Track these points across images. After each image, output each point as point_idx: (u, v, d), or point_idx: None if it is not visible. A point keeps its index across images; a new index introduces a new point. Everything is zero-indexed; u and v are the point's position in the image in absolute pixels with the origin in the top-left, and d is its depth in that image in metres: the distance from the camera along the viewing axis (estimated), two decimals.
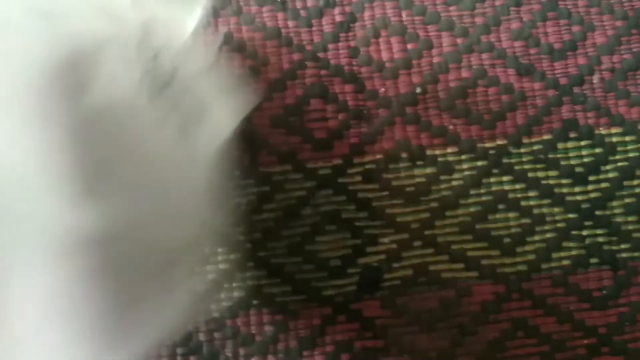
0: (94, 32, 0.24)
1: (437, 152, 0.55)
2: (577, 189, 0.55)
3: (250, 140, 0.54)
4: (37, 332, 0.23)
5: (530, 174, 0.55)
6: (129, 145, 0.25)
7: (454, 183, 0.55)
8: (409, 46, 0.57)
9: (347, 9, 0.57)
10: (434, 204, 0.55)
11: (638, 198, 0.55)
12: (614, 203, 0.55)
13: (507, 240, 0.54)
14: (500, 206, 0.55)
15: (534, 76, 0.56)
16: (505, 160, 0.55)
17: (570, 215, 0.55)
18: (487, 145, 0.55)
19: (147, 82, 0.27)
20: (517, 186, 0.55)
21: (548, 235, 0.55)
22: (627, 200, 0.55)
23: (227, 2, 0.57)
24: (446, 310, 0.54)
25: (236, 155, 0.52)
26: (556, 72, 0.56)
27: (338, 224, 0.54)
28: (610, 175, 0.55)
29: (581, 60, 0.57)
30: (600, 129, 0.56)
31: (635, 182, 0.55)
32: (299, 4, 0.57)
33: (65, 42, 0.23)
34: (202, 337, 0.53)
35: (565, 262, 0.54)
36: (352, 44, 0.57)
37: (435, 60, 0.56)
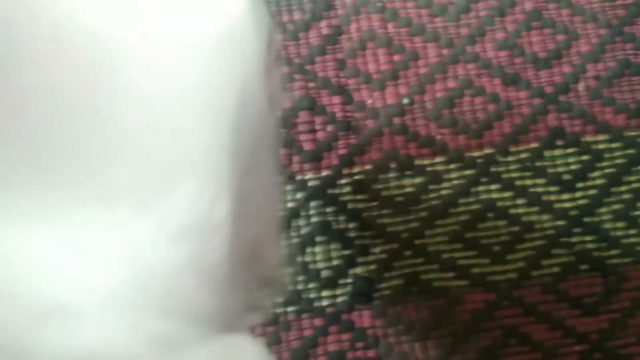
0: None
1: (426, 161, 0.56)
2: (565, 197, 0.55)
3: None
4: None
5: (518, 182, 0.55)
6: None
7: (443, 192, 0.55)
8: (396, 57, 0.57)
9: (334, 21, 0.57)
10: (424, 214, 0.55)
11: (626, 204, 0.55)
12: (602, 209, 0.55)
13: (496, 248, 0.55)
14: (489, 214, 0.55)
15: (519, 85, 0.57)
16: (493, 169, 0.56)
17: (559, 223, 0.55)
18: (475, 154, 0.56)
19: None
20: (505, 194, 0.55)
21: (537, 242, 0.55)
22: (615, 207, 0.55)
23: None
24: (438, 319, 0.54)
25: None
26: (541, 80, 0.57)
27: (329, 235, 0.54)
28: (598, 182, 0.56)
29: (566, 69, 0.57)
30: (587, 136, 0.56)
31: (623, 189, 0.56)
32: (285, 18, 0.57)
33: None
34: None
35: (555, 269, 0.55)
36: (339, 56, 0.57)
37: (422, 71, 0.57)
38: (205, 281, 0.25)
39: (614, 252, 0.55)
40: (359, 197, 0.55)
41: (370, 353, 0.53)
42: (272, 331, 0.53)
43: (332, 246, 0.54)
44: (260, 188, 0.30)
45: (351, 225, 0.54)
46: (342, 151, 0.55)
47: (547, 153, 0.56)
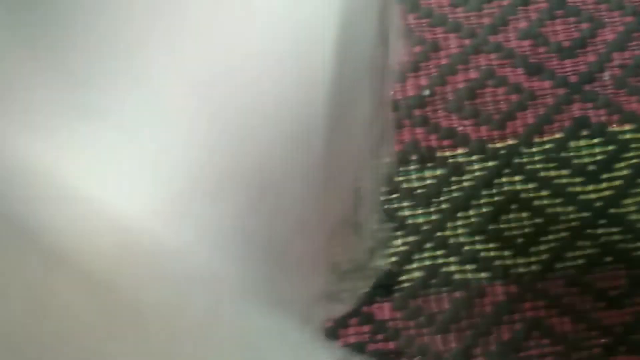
0: None
1: (447, 153, 0.55)
2: (590, 188, 0.55)
3: None
4: None
5: (542, 174, 0.55)
6: None
7: (465, 184, 0.55)
8: (416, 49, 0.57)
9: None
10: (445, 205, 0.55)
11: None
12: (628, 200, 0.55)
13: (520, 240, 0.54)
14: (513, 206, 0.55)
15: (543, 75, 0.56)
16: (516, 160, 0.55)
17: (584, 214, 0.54)
18: (498, 145, 0.55)
19: None
20: (529, 186, 0.55)
21: (562, 234, 0.54)
22: None
23: None
24: (459, 312, 0.53)
25: None
26: (566, 70, 0.56)
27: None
28: (624, 172, 0.55)
29: (591, 58, 0.56)
30: (613, 126, 0.55)
31: None
32: None
33: None
34: None
35: (580, 262, 0.54)
36: None
37: (443, 62, 0.56)
38: (274, 259, 0.24)
39: (639, 244, 0.54)
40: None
41: (391, 345, 0.53)
42: None
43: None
44: (356, 130, 0.27)
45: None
46: None
47: (571, 143, 0.55)
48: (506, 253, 0.54)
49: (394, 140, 0.43)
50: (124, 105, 0.21)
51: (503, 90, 0.56)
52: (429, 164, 0.55)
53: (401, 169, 0.55)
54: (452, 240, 0.54)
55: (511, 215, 0.55)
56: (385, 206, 0.55)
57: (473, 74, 0.56)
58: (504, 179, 0.55)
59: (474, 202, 0.55)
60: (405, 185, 0.55)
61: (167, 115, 0.21)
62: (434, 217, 0.55)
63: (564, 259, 0.54)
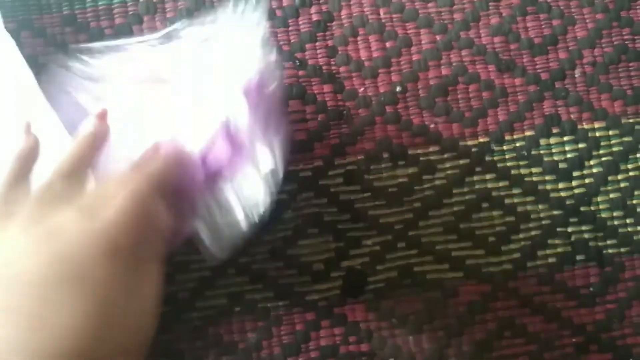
0: None
1: (419, 151, 0.54)
2: (561, 185, 0.54)
3: None
4: None
5: (513, 171, 0.54)
6: None
7: (437, 182, 0.54)
8: (388, 44, 0.56)
9: (324, 7, 0.56)
10: (417, 204, 0.54)
11: (623, 193, 0.54)
12: (599, 198, 0.54)
13: (491, 239, 0.54)
14: (484, 205, 0.54)
15: (514, 72, 0.55)
16: (487, 158, 0.54)
17: (555, 212, 0.54)
18: (469, 143, 0.55)
19: None
20: (501, 184, 0.54)
21: (533, 232, 0.54)
22: (612, 196, 0.54)
23: (200, 3, 0.55)
24: (432, 312, 0.53)
25: None
26: (537, 67, 0.56)
27: (320, 227, 0.53)
28: (595, 170, 0.55)
29: (562, 55, 0.56)
30: (583, 123, 0.55)
31: (620, 177, 0.55)
32: (274, 3, 0.56)
33: None
34: (183, 345, 0.51)
35: (551, 260, 0.54)
36: (330, 43, 0.56)
37: (415, 57, 0.55)
38: None
39: (610, 242, 0.54)
40: (351, 187, 0.54)
41: (363, 347, 0.52)
42: (263, 326, 0.52)
43: (324, 238, 0.53)
44: None
45: (343, 216, 0.53)
46: (333, 141, 0.54)
47: (543, 141, 0.55)
48: (478, 252, 0.54)
49: None
50: None
51: (475, 87, 0.55)
52: (401, 162, 0.54)
53: (372, 167, 0.54)
54: (424, 240, 0.54)
55: (483, 214, 0.54)
56: (357, 205, 0.54)
57: (445, 71, 0.55)
58: (475, 177, 0.54)
59: (445, 201, 0.54)
60: (376, 183, 0.54)
61: None
62: (406, 215, 0.54)
63: (536, 257, 0.54)
